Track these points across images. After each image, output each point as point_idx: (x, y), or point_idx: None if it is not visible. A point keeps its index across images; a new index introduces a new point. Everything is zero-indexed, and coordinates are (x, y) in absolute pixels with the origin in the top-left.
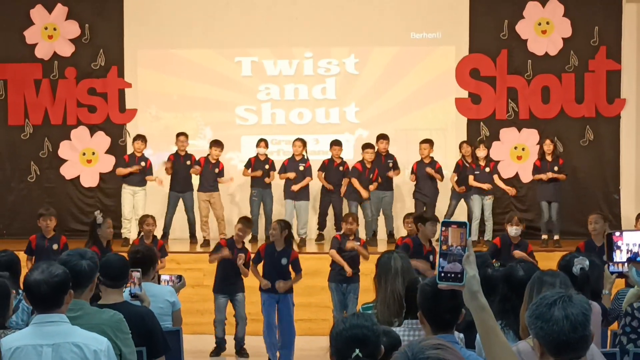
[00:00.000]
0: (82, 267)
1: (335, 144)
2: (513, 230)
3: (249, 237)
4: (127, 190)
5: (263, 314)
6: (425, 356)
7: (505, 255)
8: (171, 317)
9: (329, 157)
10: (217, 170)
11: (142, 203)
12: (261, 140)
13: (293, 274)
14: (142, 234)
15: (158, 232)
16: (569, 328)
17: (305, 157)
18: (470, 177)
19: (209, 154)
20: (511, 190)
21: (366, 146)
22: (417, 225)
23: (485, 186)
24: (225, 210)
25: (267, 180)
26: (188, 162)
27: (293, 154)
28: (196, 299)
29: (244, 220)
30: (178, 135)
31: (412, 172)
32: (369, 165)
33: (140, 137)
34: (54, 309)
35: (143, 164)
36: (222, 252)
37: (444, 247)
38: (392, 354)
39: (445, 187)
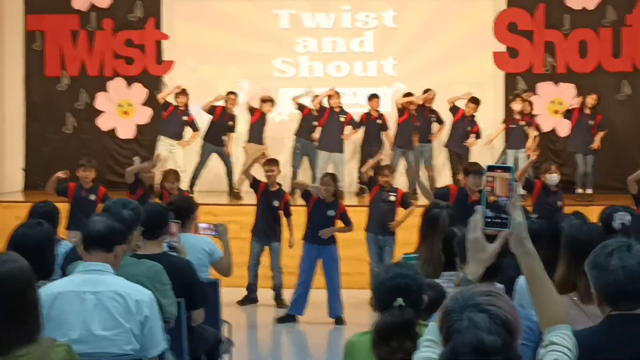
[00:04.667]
0: (123, 216)
1: (374, 97)
2: (554, 178)
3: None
4: (163, 144)
5: (300, 267)
6: (475, 302)
7: (546, 207)
8: (208, 267)
9: (367, 111)
10: (264, 127)
11: (180, 156)
12: (316, 96)
13: (339, 226)
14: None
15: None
16: (625, 278)
17: (343, 109)
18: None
19: (260, 108)
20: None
21: (410, 95)
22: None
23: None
24: None
25: (314, 135)
26: (230, 123)
27: (332, 107)
28: (236, 252)
29: (270, 160)
30: (228, 93)
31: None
32: (415, 114)
33: (183, 92)
34: (101, 253)
35: (185, 118)
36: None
37: (492, 199)
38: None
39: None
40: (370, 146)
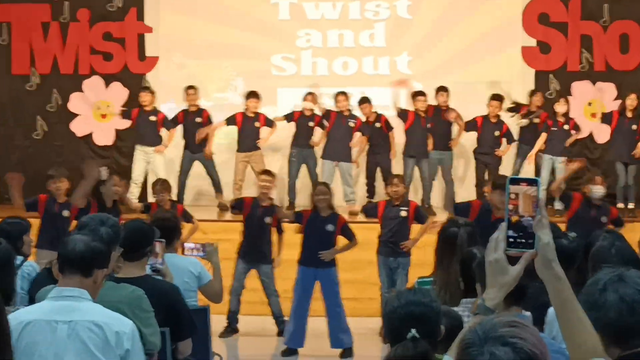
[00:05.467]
0: (101, 234)
1: (364, 101)
2: (598, 190)
3: (274, 192)
4: (139, 151)
5: (295, 293)
6: (498, 334)
7: (586, 223)
8: (197, 293)
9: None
10: (257, 125)
11: (160, 164)
12: (309, 93)
13: (341, 244)
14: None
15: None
16: (627, 311)
17: (353, 113)
18: (544, 135)
19: (246, 108)
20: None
21: (418, 94)
22: (490, 190)
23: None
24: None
25: (312, 141)
26: (198, 119)
27: (340, 110)
28: (225, 274)
29: (268, 171)
30: (187, 88)
31: (475, 128)
32: (423, 115)
33: (146, 89)
34: (78, 277)
35: (154, 118)
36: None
37: (515, 219)
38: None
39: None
40: (375, 154)
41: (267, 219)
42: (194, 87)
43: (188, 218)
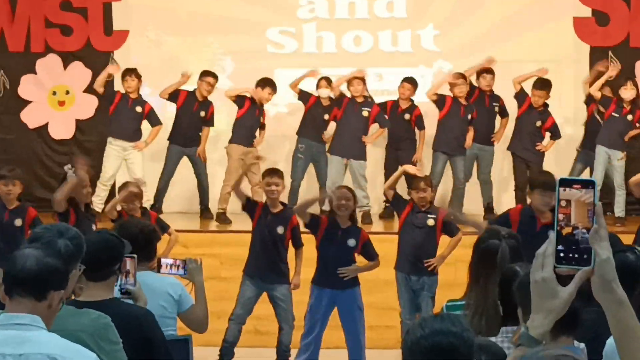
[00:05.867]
0: (58, 247)
1: (407, 81)
2: None
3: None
4: (114, 147)
5: (307, 318)
6: None
7: None
8: (176, 320)
9: (395, 98)
10: (261, 120)
11: (138, 164)
12: (322, 78)
13: (362, 263)
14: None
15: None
16: None
17: (369, 99)
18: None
19: (257, 96)
20: None
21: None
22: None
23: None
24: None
25: (324, 135)
26: (202, 113)
27: (352, 96)
28: (210, 297)
29: (274, 170)
30: (204, 74)
31: (522, 102)
32: (464, 102)
33: (132, 72)
34: (30, 300)
35: (139, 109)
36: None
37: (566, 230)
38: None
39: (568, 147)
40: (397, 149)
41: (280, 229)
42: (215, 76)
43: (163, 228)
